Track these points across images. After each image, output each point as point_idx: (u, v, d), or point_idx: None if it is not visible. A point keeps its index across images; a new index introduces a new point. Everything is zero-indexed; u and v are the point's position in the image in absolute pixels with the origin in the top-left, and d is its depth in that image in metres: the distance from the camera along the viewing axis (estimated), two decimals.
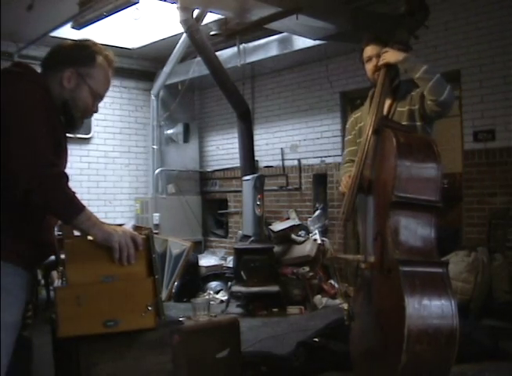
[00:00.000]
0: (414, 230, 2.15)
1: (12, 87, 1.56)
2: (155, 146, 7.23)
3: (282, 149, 6.71)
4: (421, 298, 1.99)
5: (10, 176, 1.48)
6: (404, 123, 2.51)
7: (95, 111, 1.82)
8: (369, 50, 2.64)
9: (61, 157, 1.69)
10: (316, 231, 5.73)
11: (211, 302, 4.30)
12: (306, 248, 5.45)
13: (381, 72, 2.49)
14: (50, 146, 1.56)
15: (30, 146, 1.49)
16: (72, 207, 1.53)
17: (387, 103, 2.55)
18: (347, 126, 2.90)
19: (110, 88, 1.84)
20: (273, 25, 5.08)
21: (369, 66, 2.64)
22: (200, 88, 7.72)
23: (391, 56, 2.45)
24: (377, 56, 2.58)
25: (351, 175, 2.42)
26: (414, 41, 2.55)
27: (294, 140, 6.61)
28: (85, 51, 1.74)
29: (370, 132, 2.37)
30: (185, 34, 5.64)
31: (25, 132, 1.50)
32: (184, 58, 6.52)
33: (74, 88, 1.71)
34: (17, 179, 1.47)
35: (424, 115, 2.51)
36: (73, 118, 1.74)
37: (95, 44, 1.77)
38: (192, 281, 5.58)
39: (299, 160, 6.48)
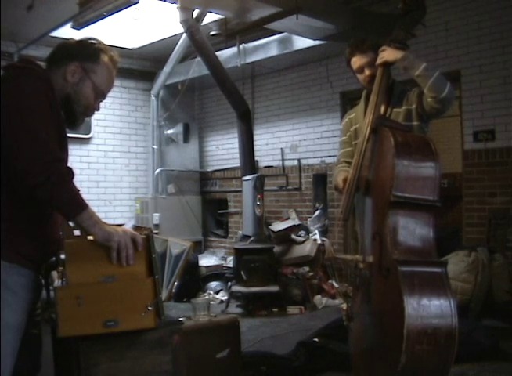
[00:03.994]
0: (412, 230, 2.13)
1: (17, 82, 1.56)
2: (155, 146, 7.24)
3: (282, 149, 6.71)
4: (420, 298, 1.99)
5: (16, 172, 1.47)
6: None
7: (97, 109, 1.81)
8: (357, 61, 2.58)
9: (64, 152, 1.68)
10: (316, 231, 5.73)
11: (211, 302, 4.30)
12: (306, 248, 5.45)
13: (378, 71, 2.44)
14: (57, 141, 1.56)
15: (39, 140, 1.48)
16: (75, 205, 1.53)
17: (383, 103, 2.51)
18: (340, 127, 2.88)
19: None
20: (273, 25, 5.09)
21: (362, 77, 2.59)
22: (200, 88, 7.73)
23: (389, 54, 2.40)
24: (369, 65, 2.53)
25: (348, 177, 2.41)
26: (414, 41, 2.53)
27: (294, 140, 6.61)
28: (91, 47, 1.75)
29: (368, 132, 2.36)
30: (185, 34, 5.65)
31: (32, 127, 1.49)
32: (184, 58, 6.53)
33: (78, 82, 1.71)
34: (25, 174, 1.46)
35: (422, 114, 2.49)
36: (75, 114, 1.74)
37: (100, 42, 1.78)
38: (192, 281, 5.58)
39: (299, 160, 6.49)
